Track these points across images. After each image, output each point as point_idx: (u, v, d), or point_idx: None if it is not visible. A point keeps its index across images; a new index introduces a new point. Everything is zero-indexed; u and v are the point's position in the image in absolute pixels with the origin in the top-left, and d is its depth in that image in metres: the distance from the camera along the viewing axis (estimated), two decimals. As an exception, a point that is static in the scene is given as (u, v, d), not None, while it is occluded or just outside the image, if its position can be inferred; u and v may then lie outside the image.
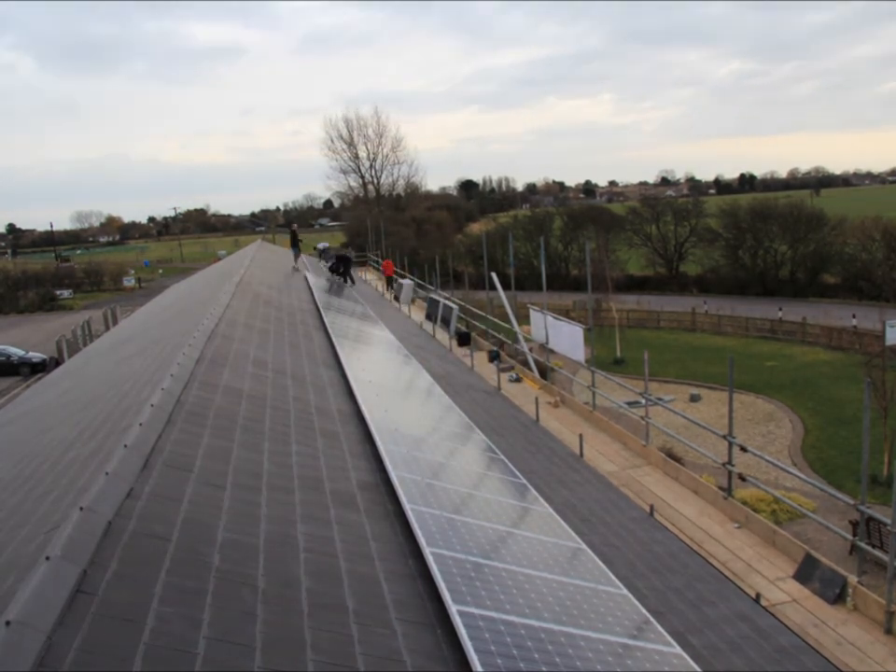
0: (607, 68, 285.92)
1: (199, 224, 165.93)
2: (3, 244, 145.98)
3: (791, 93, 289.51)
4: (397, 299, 27.49)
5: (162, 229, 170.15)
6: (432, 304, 23.59)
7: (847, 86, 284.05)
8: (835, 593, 7.52)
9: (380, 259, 40.56)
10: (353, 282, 26.30)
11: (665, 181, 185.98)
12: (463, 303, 25.35)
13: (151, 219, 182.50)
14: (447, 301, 22.68)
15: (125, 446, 4.55)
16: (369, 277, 37.72)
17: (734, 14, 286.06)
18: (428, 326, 21.72)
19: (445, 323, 21.67)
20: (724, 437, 10.52)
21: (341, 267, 25.93)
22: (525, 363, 19.88)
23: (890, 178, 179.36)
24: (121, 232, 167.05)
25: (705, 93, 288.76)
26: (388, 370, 11.91)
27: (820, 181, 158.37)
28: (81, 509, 3.50)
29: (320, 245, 30.52)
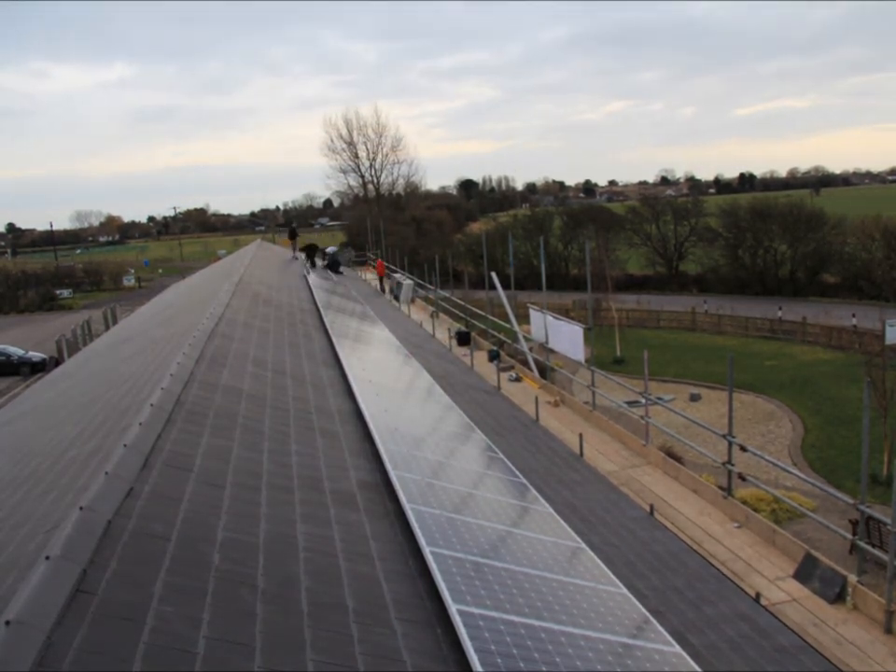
0: (522, 105, 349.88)
1: (199, 224, 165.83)
2: (3, 243, 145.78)
3: (682, 113, 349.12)
4: (396, 298, 27.51)
5: (162, 228, 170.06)
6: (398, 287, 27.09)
7: (707, 113, 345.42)
8: (835, 592, 7.52)
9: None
10: (313, 266, 29.37)
11: (664, 181, 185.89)
12: (463, 302, 25.38)
13: (151, 219, 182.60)
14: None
15: (125, 446, 4.54)
16: (368, 277, 37.73)
17: (576, 78, 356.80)
18: (429, 326, 21.75)
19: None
20: (724, 436, 10.52)
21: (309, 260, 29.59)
22: (525, 363, 19.88)
23: (890, 178, 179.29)
24: (121, 232, 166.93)
25: (620, 112, 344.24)
26: (388, 369, 11.91)
27: (820, 180, 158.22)
28: (81, 508, 3.49)
29: (328, 250, 32.45)
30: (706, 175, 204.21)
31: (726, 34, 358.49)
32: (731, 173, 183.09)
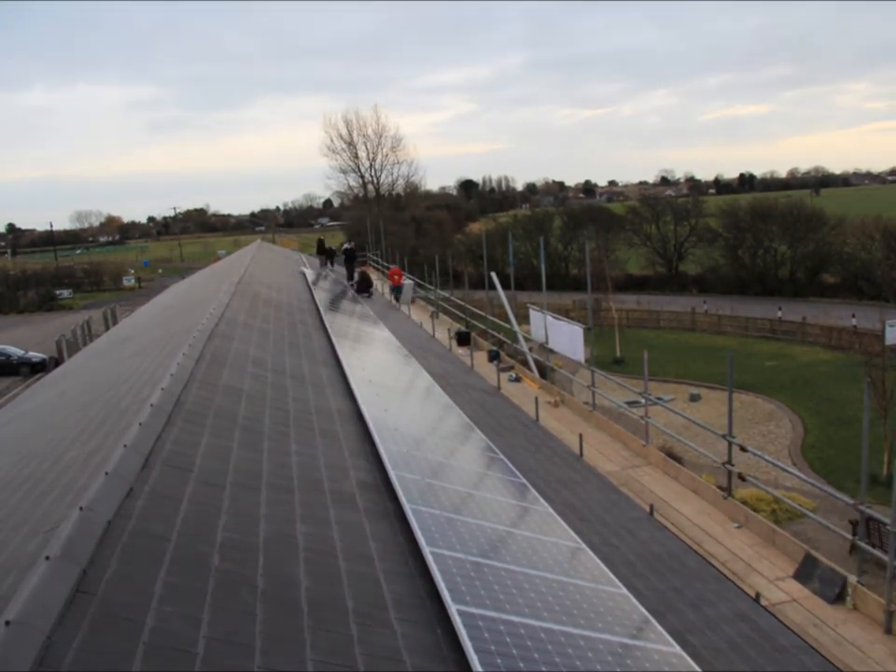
0: (498, 115, 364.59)
1: (199, 224, 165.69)
2: (3, 243, 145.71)
3: (647, 121, 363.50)
4: (396, 299, 27.53)
5: (162, 228, 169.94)
6: (396, 290, 27.97)
7: (672, 120, 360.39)
8: (835, 592, 7.52)
9: (380, 259, 40.62)
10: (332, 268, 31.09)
11: (664, 181, 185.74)
12: (463, 303, 25.39)
13: (151, 219, 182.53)
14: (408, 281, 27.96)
15: (125, 446, 4.54)
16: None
17: (544, 91, 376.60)
18: (428, 326, 21.75)
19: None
20: (724, 437, 10.52)
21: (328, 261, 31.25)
22: (525, 363, 19.89)
23: (890, 178, 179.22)
24: (121, 232, 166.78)
25: (590, 120, 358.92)
26: (388, 369, 11.91)
27: (820, 181, 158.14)
28: (81, 508, 3.49)
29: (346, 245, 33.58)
30: (705, 175, 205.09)
31: (661, 58, 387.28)
32: (729, 173, 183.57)
